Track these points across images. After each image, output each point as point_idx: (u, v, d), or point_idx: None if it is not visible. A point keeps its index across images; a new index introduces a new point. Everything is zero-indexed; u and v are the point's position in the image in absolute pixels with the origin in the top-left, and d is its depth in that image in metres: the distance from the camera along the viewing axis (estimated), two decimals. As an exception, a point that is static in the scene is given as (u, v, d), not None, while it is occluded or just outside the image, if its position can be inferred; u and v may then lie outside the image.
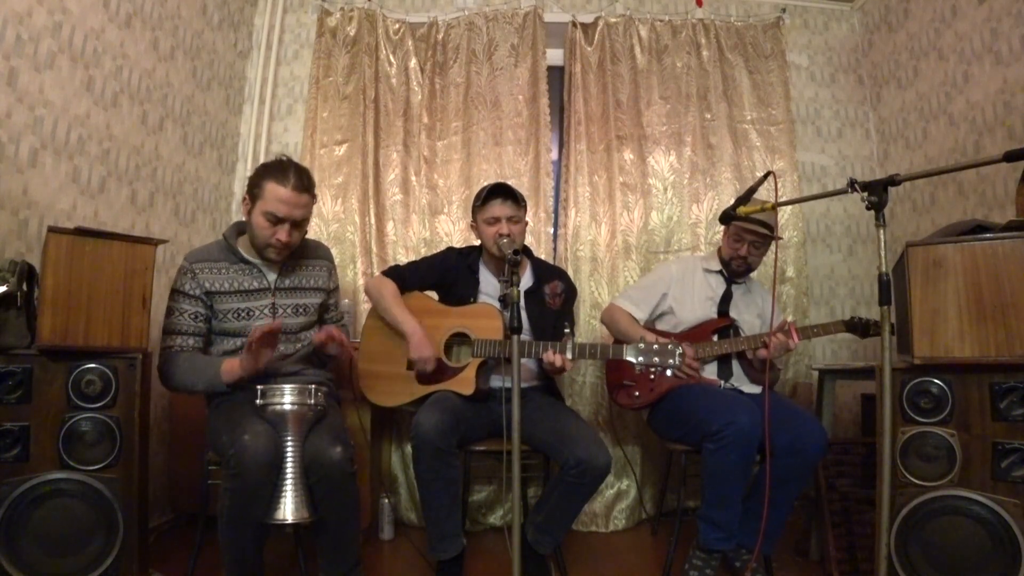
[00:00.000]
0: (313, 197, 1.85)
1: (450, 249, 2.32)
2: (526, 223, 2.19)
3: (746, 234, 2.18)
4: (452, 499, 1.90)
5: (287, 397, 1.63)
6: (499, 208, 2.09)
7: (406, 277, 2.21)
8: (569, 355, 1.92)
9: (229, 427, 1.61)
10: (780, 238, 2.12)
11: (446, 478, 1.87)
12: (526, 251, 2.28)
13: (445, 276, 2.21)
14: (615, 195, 2.91)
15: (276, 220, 1.77)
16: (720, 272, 2.32)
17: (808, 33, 3.23)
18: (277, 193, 1.75)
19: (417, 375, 2.09)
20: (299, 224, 1.82)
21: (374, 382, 2.18)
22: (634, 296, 2.34)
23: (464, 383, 2.04)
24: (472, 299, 2.15)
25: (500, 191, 2.10)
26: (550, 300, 2.18)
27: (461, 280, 2.19)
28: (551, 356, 1.92)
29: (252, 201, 1.80)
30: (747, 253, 2.22)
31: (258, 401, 1.63)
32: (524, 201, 2.15)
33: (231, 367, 1.74)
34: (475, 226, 2.20)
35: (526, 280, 2.21)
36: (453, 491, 1.90)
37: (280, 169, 1.79)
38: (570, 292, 2.24)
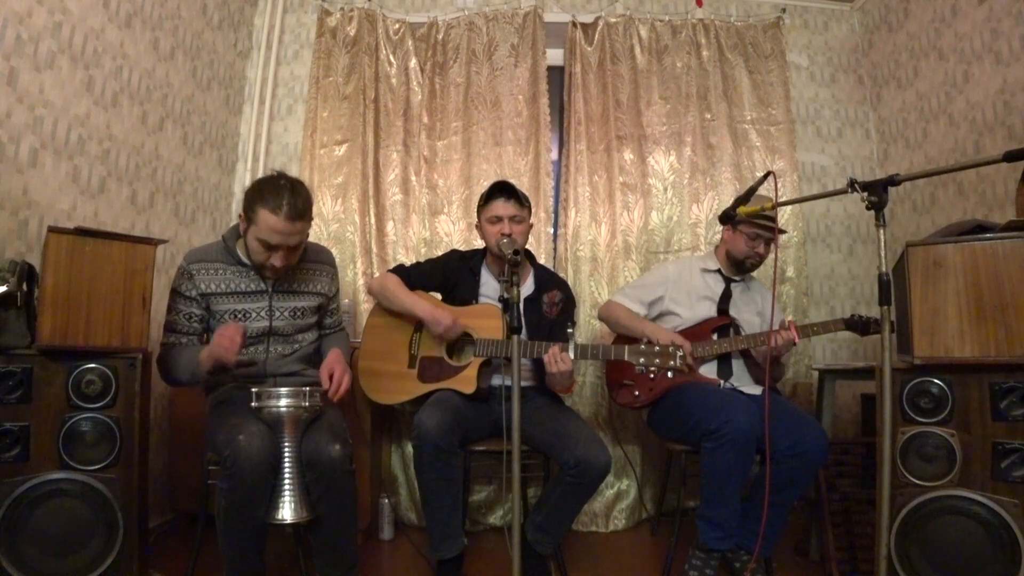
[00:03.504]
0: (308, 222, 1.77)
1: (453, 251, 2.33)
2: (530, 224, 2.18)
3: (763, 231, 2.20)
4: (453, 499, 1.90)
5: (282, 400, 1.63)
6: (501, 207, 2.09)
7: (411, 277, 2.22)
8: (571, 355, 1.92)
9: (225, 428, 1.61)
10: (784, 231, 2.14)
11: (447, 477, 1.87)
12: (530, 257, 2.29)
13: (448, 278, 2.22)
14: (615, 195, 2.91)
15: (270, 248, 1.73)
16: (718, 271, 2.33)
17: (808, 33, 3.23)
18: (269, 222, 1.68)
19: (419, 373, 2.09)
20: (295, 247, 1.78)
21: (375, 380, 2.18)
22: (632, 294, 2.35)
23: (466, 382, 2.04)
24: (473, 301, 2.16)
25: (503, 190, 2.10)
26: (547, 309, 2.18)
27: (462, 282, 2.19)
28: (552, 355, 1.92)
29: (247, 222, 1.75)
30: (764, 251, 2.24)
31: (253, 404, 1.63)
32: (528, 202, 2.15)
33: (207, 353, 1.71)
34: (479, 227, 2.20)
35: (527, 287, 2.20)
36: (454, 490, 1.90)
37: (274, 195, 1.68)
38: (568, 303, 2.23)
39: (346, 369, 1.85)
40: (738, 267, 2.30)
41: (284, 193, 1.69)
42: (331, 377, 1.81)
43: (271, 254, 1.74)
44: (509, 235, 2.05)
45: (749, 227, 2.20)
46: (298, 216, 1.70)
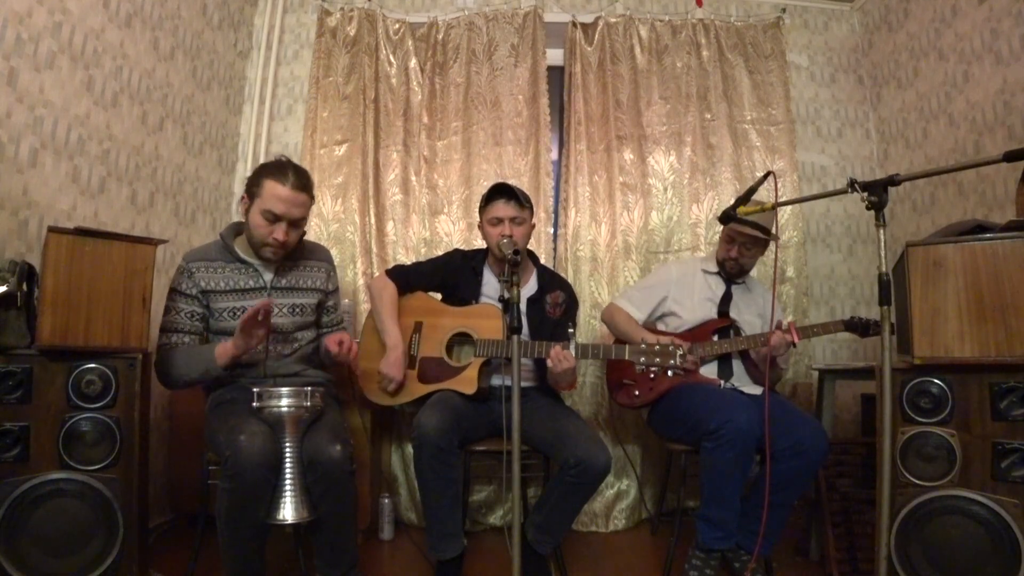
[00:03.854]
0: (311, 198, 1.84)
1: (456, 251, 2.33)
2: (532, 225, 2.18)
3: (737, 236, 2.19)
4: (453, 499, 1.90)
5: (284, 400, 1.63)
6: (502, 208, 2.09)
7: (410, 277, 2.21)
8: (572, 354, 1.92)
9: (226, 428, 1.61)
10: (777, 238, 2.13)
11: (447, 478, 1.87)
12: (533, 257, 2.28)
13: (449, 278, 2.22)
14: (615, 195, 2.91)
15: (274, 218, 1.77)
16: (719, 273, 2.33)
17: (808, 33, 3.23)
18: (276, 191, 1.75)
19: (419, 374, 2.09)
20: (296, 223, 1.82)
21: (375, 381, 2.17)
22: (634, 297, 2.35)
23: (466, 382, 2.04)
24: (474, 301, 2.16)
25: (503, 192, 2.10)
26: (550, 310, 2.18)
27: (463, 281, 2.19)
28: (555, 354, 1.92)
29: (250, 199, 1.80)
30: (738, 255, 2.23)
31: (254, 404, 1.63)
32: (529, 203, 2.14)
33: (224, 349, 1.75)
34: (481, 227, 2.20)
35: (530, 287, 2.20)
36: (454, 491, 1.90)
37: (279, 168, 1.79)
38: (571, 303, 2.23)
39: (352, 340, 1.91)
40: (722, 269, 2.30)
41: (289, 167, 1.81)
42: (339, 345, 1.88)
43: (274, 228, 1.77)
44: (510, 236, 2.05)
45: (727, 230, 2.20)
46: (302, 188, 1.79)
